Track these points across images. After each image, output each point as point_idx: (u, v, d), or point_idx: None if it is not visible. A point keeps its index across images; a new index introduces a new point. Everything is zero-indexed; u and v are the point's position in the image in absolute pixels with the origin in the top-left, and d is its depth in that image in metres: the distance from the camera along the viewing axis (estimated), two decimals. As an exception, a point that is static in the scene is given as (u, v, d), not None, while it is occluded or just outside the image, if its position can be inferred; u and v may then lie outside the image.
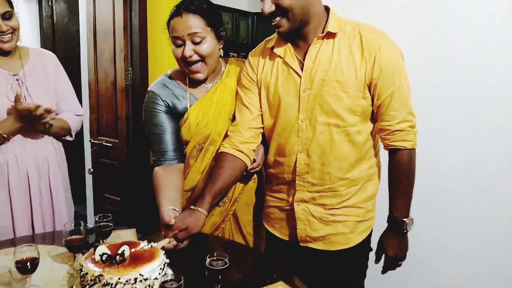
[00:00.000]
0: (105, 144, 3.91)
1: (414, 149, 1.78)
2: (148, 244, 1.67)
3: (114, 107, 3.79)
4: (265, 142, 2.03)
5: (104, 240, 1.87)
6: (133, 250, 1.62)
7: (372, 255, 1.98)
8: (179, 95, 1.99)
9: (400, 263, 1.91)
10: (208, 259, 1.48)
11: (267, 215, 2.07)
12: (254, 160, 2.01)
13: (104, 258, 1.50)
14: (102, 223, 1.86)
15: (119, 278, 1.43)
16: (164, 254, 1.62)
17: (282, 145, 1.89)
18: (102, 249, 1.53)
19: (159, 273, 1.53)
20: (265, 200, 2.10)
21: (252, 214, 2.16)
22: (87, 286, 1.47)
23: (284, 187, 1.96)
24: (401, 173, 1.78)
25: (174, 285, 1.32)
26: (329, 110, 1.72)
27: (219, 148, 1.95)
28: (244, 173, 2.00)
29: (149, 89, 2.04)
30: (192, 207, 1.76)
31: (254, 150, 1.95)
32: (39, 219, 2.31)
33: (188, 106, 1.98)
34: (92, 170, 3.54)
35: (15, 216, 2.23)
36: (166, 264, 1.61)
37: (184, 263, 1.85)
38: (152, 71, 3.70)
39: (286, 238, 1.98)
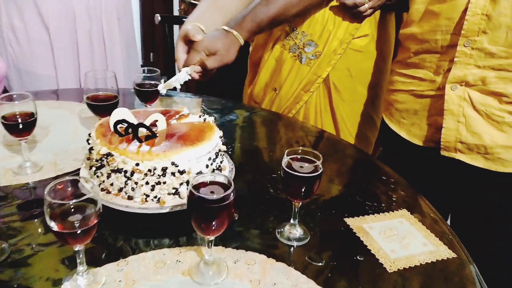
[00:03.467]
0: None
1: None
2: (201, 115, 1.06)
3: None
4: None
5: (148, 105, 1.31)
6: (172, 121, 1.03)
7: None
8: None
9: None
10: (286, 158, 0.83)
11: (390, 104, 1.32)
12: None
13: (120, 130, 0.92)
14: (146, 81, 1.28)
15: (137, 164, 0.86)
16: (221, 137, 1.00)
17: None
18: (120, 113, 0.95)
19: (207, 165, 0.93)
20: (389, 80, 1.34)
21: (357, 93, 1.52)
22: (93, 168, 0.93)
23: (430, 58, 1.17)
24: None
25: (214, 196, 0.70)
26: None
27: None
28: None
29: None
30: (225, 28, 1.24)
31: None
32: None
33: None
34: (160, 18, 2.81)
35: (57, 64, 1.77)
36: (220, 152, 0.99)
37: (245, 160, 1.24)
38: None
39: (419, 143, 1.24)
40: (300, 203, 0.87)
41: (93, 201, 0.68)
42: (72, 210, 0.67)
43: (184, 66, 1.15)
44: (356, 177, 1.18)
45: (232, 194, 0.70)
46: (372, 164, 1.25)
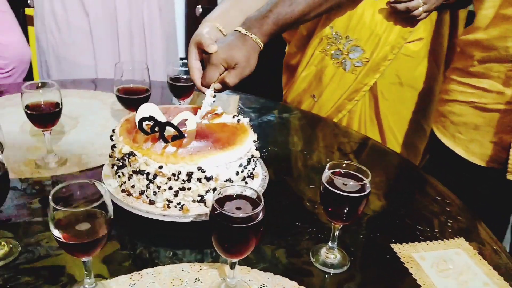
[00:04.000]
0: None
1: None
2: (234, 116, 0.96)
3: None
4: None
5: (182, 101, 1.23)
6: (202, 122, 0.94)
7: None
8: None
9: None
10: (328, 172, 0.71)
11: (443, 115, 1.17)
12: None
13: (146, 127, 0.84)
14: (181, 75, 1.20)
15: (160, 167, 0.78)
16: (255, 141, 0.90)
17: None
18: (148, 109, 0.86)
19: (237, 172, 0.83)
20: (443, 89, 1.19)
21: (407, 102, 1.38)
22: (115, 167, 0.85)
23: (498, 68, 1.01)
24: None
25: (240, 213, 0.60)
26: None
27: None
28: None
29: None
30: (241, 30, 1.02)
31: None
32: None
33: None
34: (201, 10, 2.66)
35: (97, 53, 1.73)
36: (253, 158, 0.89)
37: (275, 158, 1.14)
38: None
39: (479, 162, 1.08)
40: (341, 225, 0.75)
41: (104, 208, 0.60)
42: (81, 217, 0.59)
43: (203, 85, 1.01)
44: (405, 195, 1.05)
45: (261, 213, 0.60)
46: (424, 180, 1.11)
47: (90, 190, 0.62)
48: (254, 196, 0.63)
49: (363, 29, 1.31)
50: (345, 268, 0.77)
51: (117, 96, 1.09)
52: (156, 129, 0.83)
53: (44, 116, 0.93)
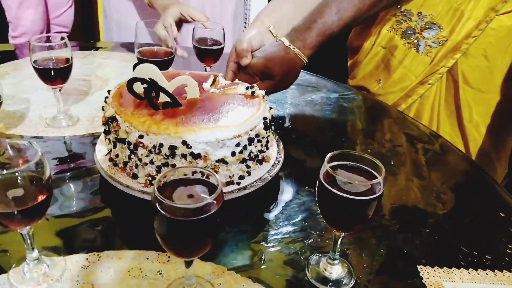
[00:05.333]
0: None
1: None
2: (248, 87, 0.82)
3: None
4: None
5: (207, 66, 1.11)
6: (211, 91, 0.81)
7: None
8: None
9: None
10: (327, 165, 0.55)
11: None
12: None
13: (136, 90, 0.74)
14: (208, 36, 1.08)
15: (140, 136, 0.67)
16: (265, 119, 0.75)
17: None
18: (147, 71, 0.76)
19: (233, 153, 0.69)
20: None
21: (496, 88, 1.10)
22: (103, 133, 0.77)
23: None
24: None
25: (188, 204, 0.46)
26: None
27: None
28: None
29: None
30: (285, 42, 0.92)
31: None
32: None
33: None
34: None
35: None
36: (261, 138, 0.75)
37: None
38: None
39: None
40: (343, 234, 0.58)
41: (41, 172, 0.51)
42: (13, 183, 0.51)
43: None
44: (459, 204, 0.82)
45: (215, 202, 0.46)
46: (492, 190, 0.86)
47: (27, 152, 0.53)
48: (216, 182, 0.49)
49: (440, 3, 1.07)
50: (349, 286, 0.60)
51: (138, 58, 1.01)
52: (147, 94, 0.72)
53: (52, 72, 0.88)
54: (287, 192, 0.79)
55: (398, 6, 1.14)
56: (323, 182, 0.54)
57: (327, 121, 1.07)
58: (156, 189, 0.46)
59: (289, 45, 0.91)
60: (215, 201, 0.46)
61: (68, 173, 0.80)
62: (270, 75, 0.91)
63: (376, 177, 0.54)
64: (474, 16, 1.05)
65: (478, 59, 1.08)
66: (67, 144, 0.89)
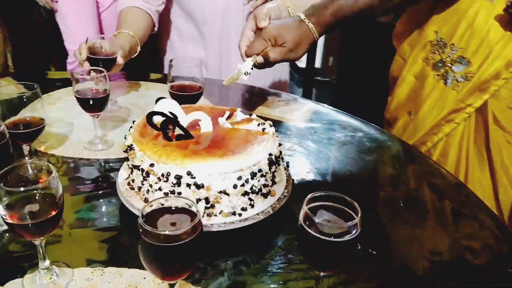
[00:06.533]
0: None
1: None
2: (260, 124, 0.87)
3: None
4: None
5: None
6: (225, 125, 0.87)
7: None
8: None
9: None
10: (305, 208, 0.57)
11: None
12: None
13: (156, 121, 0.81)
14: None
15: (151, 165, 0.74)
16: (270, 155, 0.80)
17: None
18: (167, 105, 0.83)
19: (235, 185, 0.74)
20: None
21: None
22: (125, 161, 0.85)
23: None
24: None
25: (167, 231, 0.51)
26: None
27: None
28: None
29: None
30: (300, 15, 1.02)
31: None
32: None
33: None
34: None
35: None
36: (264, 173, 0.79)
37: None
38: None
39: None
40: (322, 273, 0.60)
41: (54, 191, 0.59)
42: (27, 199, 0.59)
43: (246, 54, 1.01)
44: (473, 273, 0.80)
45: (195, 230, 0.51)
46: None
47: (45, 172, 0.62)
48: (195, 210, 0.54)
49: (472, 37, 1.07)
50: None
51: (170, 93, 1.10)
52: (164, 126, 0.80)
53: (91, 101, 0.99)
54: (287, 228, 0.82)
55: (436, 33, 1.14)
56: (302, 223, 0.57)
57: (347, 160, 1.09)
58: (140, 215, 0.52)
59: (304, 18, 1.00)
60: (191, 230, 0.51)
61: (93, 192, 0.89)
62: (282, 41, 0.99)
63: (352, 218, 0.56)
64: (504, 55, 1.03)
65: (510, 100, 1.06)
66: (98, 167, 0.99)
